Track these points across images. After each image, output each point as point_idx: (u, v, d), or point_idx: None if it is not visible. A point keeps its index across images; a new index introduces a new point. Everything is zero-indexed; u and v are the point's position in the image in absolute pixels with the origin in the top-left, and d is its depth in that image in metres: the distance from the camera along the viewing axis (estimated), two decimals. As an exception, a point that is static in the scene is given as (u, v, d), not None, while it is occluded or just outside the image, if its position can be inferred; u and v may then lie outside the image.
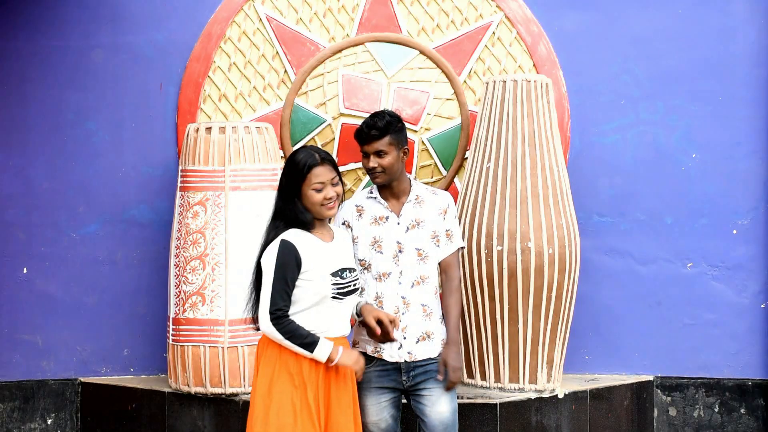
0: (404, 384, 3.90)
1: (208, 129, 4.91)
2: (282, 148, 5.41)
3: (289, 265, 3.59)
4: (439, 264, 4.03)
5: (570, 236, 4.96)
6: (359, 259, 3.93)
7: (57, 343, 5.42)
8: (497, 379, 4.97)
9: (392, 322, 3.76)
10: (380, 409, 3.90)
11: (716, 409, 5.46)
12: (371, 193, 3.99)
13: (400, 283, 3.90)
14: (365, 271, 3.93)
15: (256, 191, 4.86)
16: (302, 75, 5.47)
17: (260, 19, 5.49)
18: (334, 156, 5.40)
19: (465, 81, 5.50)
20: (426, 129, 5.44)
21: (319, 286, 3.62)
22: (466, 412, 4.67)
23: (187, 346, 4.87)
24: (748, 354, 5.46)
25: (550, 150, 4.99)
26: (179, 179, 5.01)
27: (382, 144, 3.86)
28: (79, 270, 5.44)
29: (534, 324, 4.90)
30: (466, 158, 5.40)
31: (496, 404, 4.75)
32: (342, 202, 3.83)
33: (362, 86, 5.44)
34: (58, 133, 5.43)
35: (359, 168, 5.40)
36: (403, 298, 3.90)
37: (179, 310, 4.89)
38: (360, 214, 3.95)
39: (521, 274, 4.86)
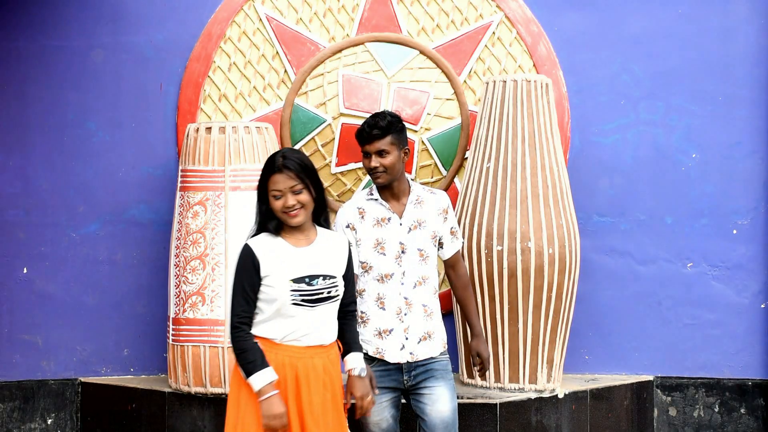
0: (405, 384, 3.91)
1: (208, 129, 4.91)
2: (282, 148, 5.41)
3: (247, 270, 3.48)
4: (446, 262, 4.08)
5: (570, 236, 4.96)
6: (361, 262, 3.92)
7: (57, 343, 5.42)
8: (497, 379, 4.96)
9: (364, 404, 3.65)
10: (381, 409, 3.89)
11: (716, 409, 5.46)
12: (371, 194, 3.98)
13: (402, 284, 3.91)
14: (365, 274, 3.92)
15: (256, 191, 4.85)
16: (302, 75, 5.47)
17: (260, 19, 5.49)
18: (334, 156, 5.41)
19: (465, 81, 5.50)
20: (426, 129, 5.44)
21: (278, 293, 3.48)
22: (466, 412, 4.67)
23: (187, 346, 4.87)
24: (748, 354, 5.46)
25: (550, 150, 5.00)
26: (179, 179, 5.01)
27: (384, 143, 3.87)
28: (79, 270, 5.44)
29: (534, 324, 4.90)
30: (466, 158, 5.40)
31: (496, 404, 4.75)
32: (312, 208, 3.58)
33: (362, 86, 5.44)
34: (58, 133, 5.43)
35: (359, 168, 5.40)
36: (405, 299, 3.91)
37: (179, 310, 4.89)
38: (362, 217, 3.94)
39: (521, 274, 4.86)
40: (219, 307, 4.81)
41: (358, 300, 3.95)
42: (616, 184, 5.51)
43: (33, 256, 5.41)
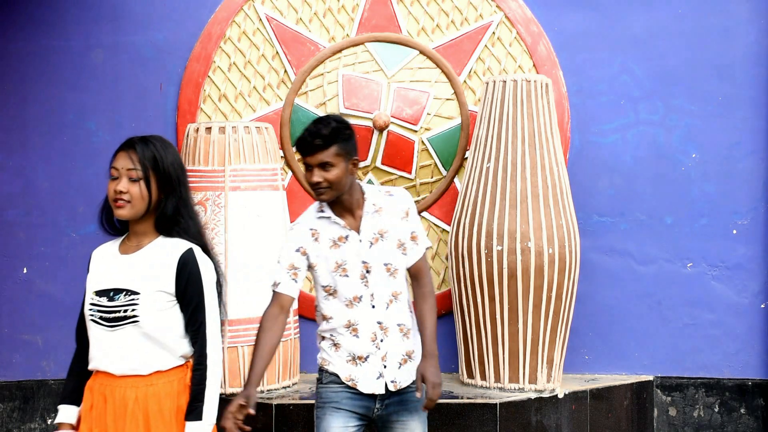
0: (374, 413, 3.49)
1: (208, 129, 4.91)
2: (282, 148, 5.41)
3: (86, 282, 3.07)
4: (408, 270, 3.56)
5: (570, 236, 4.96)
6: (323, 286, 3.46)
7: (57, 343, 5.41)
8: (497, 379, 4.97)
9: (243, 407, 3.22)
10: None
11: (716, 409, 5.46)
12: (322, 212, 3.47)
13: (373, 306, 3.45)
14: (330, 297, 3.47)
15: (256, 191, 4.86)
16: (302, 75, 5.47)
17: (260, 19, 5.49)
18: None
19: (465, 81, 5.50)
20: (426, 129, 5.44)
21: (85, 306, 3.02)
22: (466, 412, 4.67)
23: (187, 346, 4.86)
24: (748, 354, 5.45)
25: (550, 150, 5.00)
26: (179, 179, 5.00)
27: (328, 155, 3.33)
28: (79, 270, 5.38)
29: (534, 324, 4.90)
30: (466, 158, 5.40)
31: (496, 404, 4.75)
32: (146, 209, 3.06)
33: (362, 86, 5.44)
34: (58, 133, 5.43)
35: (359, 168, 5.39)
36: (379, 323, 3.46)
37: (179, 310, 4.88)
38: (316, 238, 3.45)
39: (521, 274, 4.85)
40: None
41: (326, 324, 3.50)
42: (616, 184, 5.51)
43: (33, 256, 5.41)
